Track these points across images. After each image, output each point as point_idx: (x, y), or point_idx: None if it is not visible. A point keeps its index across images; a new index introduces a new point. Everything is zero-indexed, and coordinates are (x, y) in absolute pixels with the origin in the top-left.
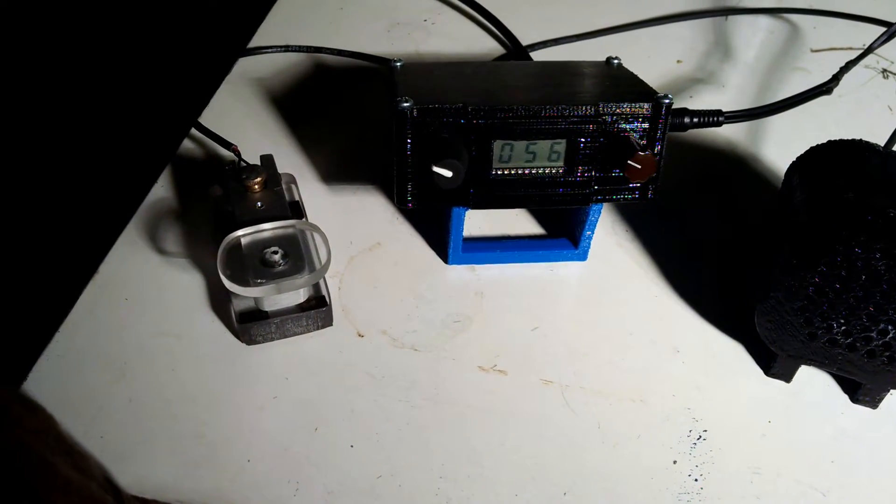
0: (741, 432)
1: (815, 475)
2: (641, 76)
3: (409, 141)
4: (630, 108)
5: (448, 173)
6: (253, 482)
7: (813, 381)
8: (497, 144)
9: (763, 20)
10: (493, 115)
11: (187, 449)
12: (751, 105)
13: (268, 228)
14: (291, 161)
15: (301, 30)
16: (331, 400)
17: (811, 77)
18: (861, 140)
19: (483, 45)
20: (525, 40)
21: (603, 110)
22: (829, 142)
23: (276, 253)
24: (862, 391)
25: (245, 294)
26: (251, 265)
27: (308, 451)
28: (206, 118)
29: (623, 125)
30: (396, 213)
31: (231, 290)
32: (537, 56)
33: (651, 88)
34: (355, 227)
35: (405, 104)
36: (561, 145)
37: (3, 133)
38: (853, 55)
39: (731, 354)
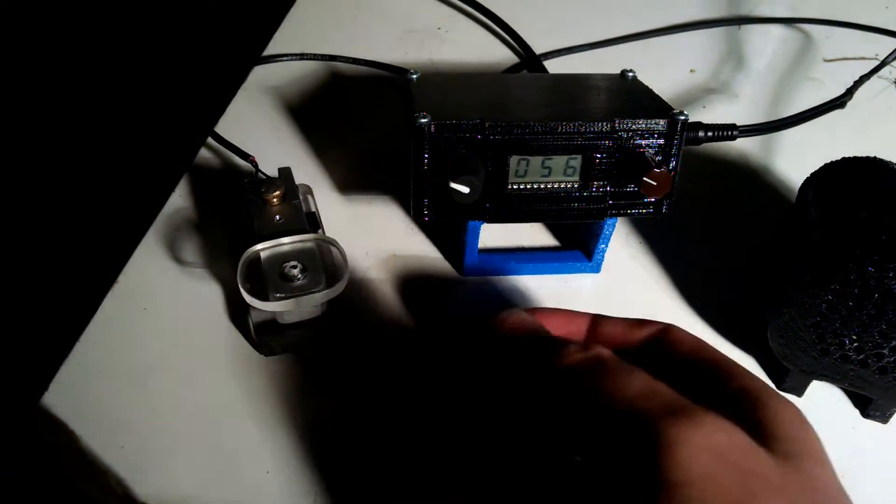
0: None
1: None
2: (655, 86)
3: (426, 156)
4: (646, 124)
5: (465, 189)
6: (272, 493)
7: (824, 396)
8: (513, 160)
9: (776, 29)
10: (510, 131)
11: (207, 460)
12: (764, 115)
13: (286, 242)
14: (307, 170)
15: (316, 37)
16: (347, 411)
17: (824, 87)
18: (875, 158)
19: (496, 53)
20: (538, 49)
21: (619, 126)
22: (844, 159)
23: (294, 267)
24: (873, 406)
25: (265, 308)
26: (270, 279)
27: (326, 463)
28: (223, 126)
29: (638, 141)
30: (411, 224)
31: (251, 303)
32: (550, 64)
33: (666, 104)
34: (370, 238)
35: (423, 119)
36: (576, 160)
37: (22, 144)
38: (865, 65)
39: None
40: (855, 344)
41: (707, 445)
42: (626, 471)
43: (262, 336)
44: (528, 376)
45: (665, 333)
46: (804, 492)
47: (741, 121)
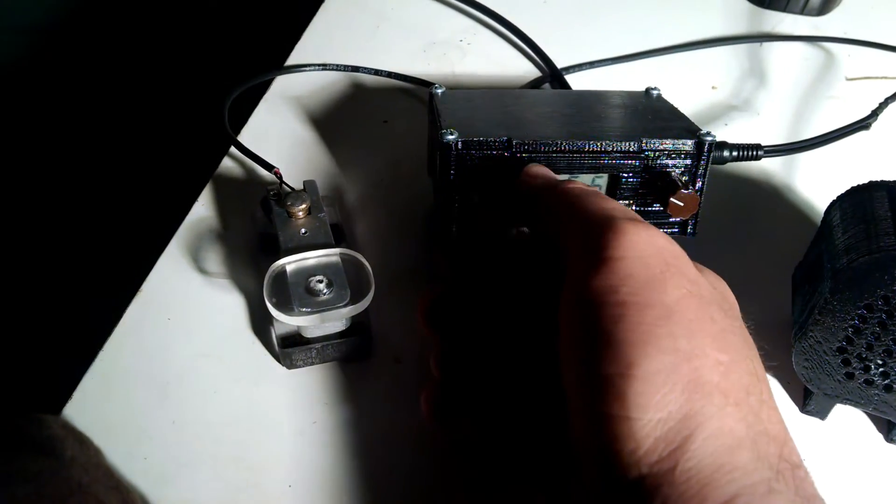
0: None
1: None
2: (676, 102)
3: (452, 172)
4: (673, 144)
5: None
6: None
7: (848, 420)
8: None
9: (798, 47)
10: (537, 149)
11: (230, 472)
12: (786, 134)
13: (312, 257)
14: (329, 181)
15: (337, 48)
16: (369, 425)
17: (846, 105)
18: None
19: (518, 66)
20: (560, 63)
21: (646, 146)
22: (870, 182)
23: (320, 281)
24: None
25: (290, 322)
26: (296, 293)
27: (348, 476)
28: (245, 136)
29: (665, 161)
30: (435, 239)
31: (277, 317)
32: (572, 79)
33: (693, 124)
34: (392, 251)
35: (450, 136)
36: (602, 179)
37: (46, 154)
38: (887, 84)
39: None
40: (880, 369)
41: (648, 240)
42: (589, 249)
43: (286, 349)
44: (545, 196)
45: None
46: (712, 292)
47: (763, 139)
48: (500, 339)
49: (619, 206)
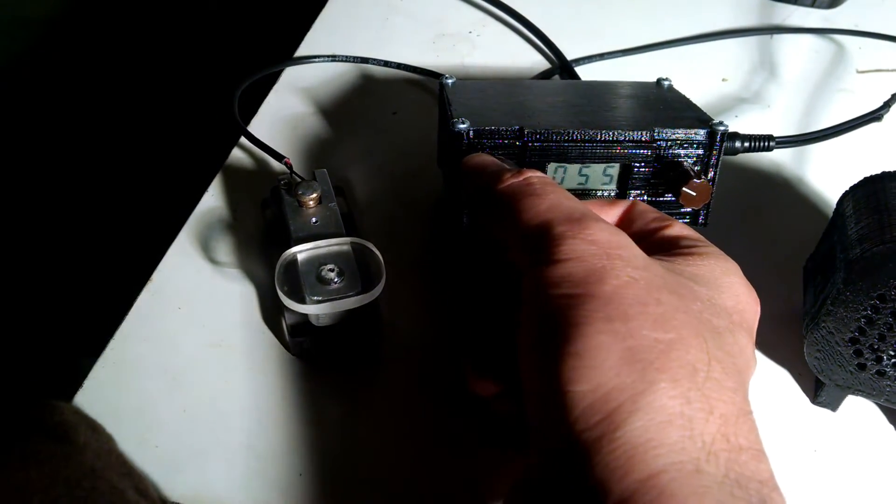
0: (786, 461)
1: None
2: (687, 94)
3: None
4: (685, 134)
5: None
6: (304, 497)
7: (859, 411)
8: (551, 167)
9: (809, 39)
10: (549, 138)
11: (240, 461)
12: (796, 126)
13: (323, 245)
14: (339, 172)
15: (347, 39)
16: (379, 417)
17: (857, 98)
18: None
19: (528, 58)
20: (570, 54)
21: (658, 136)
22: (883, 173)
23: (332, 270)
24: None
25: (301, 311)
26: (307, 282)
27: (358, 468)
28: (255, 126)
29: (678, 151)
30: (444, 229)
31: (288, 306)
32: (582, 70)
33: (705, 114)
34: (402, 242)
35: (462, 125)
36: (614, 169)
37: (55, 146)
38: None
39: (778, 382)
40: (892, 360)
41: (586, 240)
42: (531, 259)
43: (296, 337)
44: (477, 199)
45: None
46: (666, 276)
47: (774, 131)
48: (507, 320)
49: (557, 205)
